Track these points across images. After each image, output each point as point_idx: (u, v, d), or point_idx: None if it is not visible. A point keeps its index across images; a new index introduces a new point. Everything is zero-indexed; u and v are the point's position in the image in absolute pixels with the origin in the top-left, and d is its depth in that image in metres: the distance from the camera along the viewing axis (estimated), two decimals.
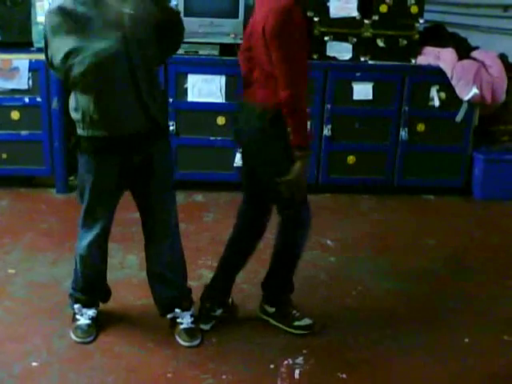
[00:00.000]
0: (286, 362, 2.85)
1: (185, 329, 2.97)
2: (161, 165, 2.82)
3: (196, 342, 2.95)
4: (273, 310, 3.12)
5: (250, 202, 3.11)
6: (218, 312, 3.11)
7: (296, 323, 3.07)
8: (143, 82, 2.63)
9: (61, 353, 2.86)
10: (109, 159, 2.72)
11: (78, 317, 3.01)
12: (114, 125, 2.66)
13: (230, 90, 4.81)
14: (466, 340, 3.08)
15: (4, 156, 4.81)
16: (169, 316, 3.03)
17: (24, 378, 2.68)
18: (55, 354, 2.84)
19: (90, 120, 2.63)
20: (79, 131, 2.71)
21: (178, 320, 3.00)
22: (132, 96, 2.63)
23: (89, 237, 2.87)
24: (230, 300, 3.21)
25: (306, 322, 3.08)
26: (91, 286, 3.03)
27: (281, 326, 3.08)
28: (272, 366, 2.82)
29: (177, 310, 3.00)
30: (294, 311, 3.11)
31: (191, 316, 3.02)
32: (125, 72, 2.58)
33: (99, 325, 3.04)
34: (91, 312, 3.03)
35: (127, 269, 3.63)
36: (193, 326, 3.00)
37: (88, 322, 3.00)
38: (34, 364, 2.76)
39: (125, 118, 2.65)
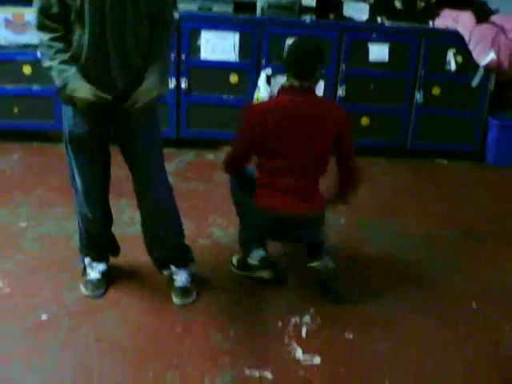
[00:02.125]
0: (293, 320, 2.87)
1: (178, 287, 2.98)
2: (138, 122, 2.72)
3: (188, 301, 2.95)
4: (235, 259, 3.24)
5: None
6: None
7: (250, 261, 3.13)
8: (115, 53, 2.55)
9: (70, 306, 2.88)
10: (84, 110, 2.62)
11: (88, 271, 3.04)
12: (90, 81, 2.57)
13: (243, 48, 4.75)
14: (474, 306, 3.09)
15: (16, 110, 4.81)
16: (165, 273, 3.04)
17: (34, 331, 2.70)
18: (65, 308, 2.86)
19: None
20: None
21: (174, 277, 3.01)
22: (103, 65, 2.56)
23: (80, 192, 2.85)
24: None
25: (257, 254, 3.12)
26: (95, 241, 3.03)
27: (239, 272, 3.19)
28: (280, 324, 2.84)
29: (172, 267, 3.01)
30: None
31: (188, 274, 3.03)
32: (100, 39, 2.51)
33: (109, 279, 3.06)
34: (101, 266, 3.05)
35: (138, 224, 3.60)
36: (188, 284, 2.99)
37: (98, 276, 3.02)
38: (44, 317, 2.79)
39: (95, 80, 2.57)
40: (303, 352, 2.66)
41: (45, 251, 3.33)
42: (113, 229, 3.11)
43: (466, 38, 4.79)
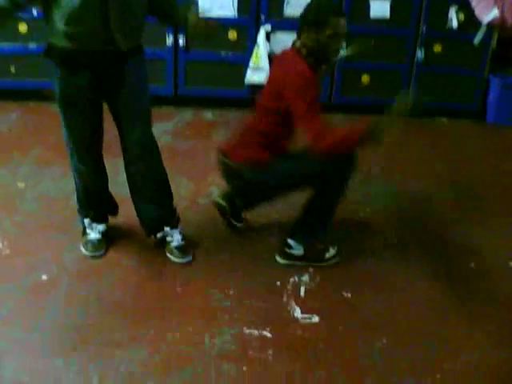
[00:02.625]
0: (291, 280, 2.89)
1: (176, 246, 2.99)
2: (130, 81, 2.68)
3: (188, 259, 2.98)
4: (300, 251, 3.01)
5: None
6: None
7: (327, 255, 3.05)
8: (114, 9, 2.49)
9: (70, 266, 2.89)
10: (75, 71, 2.61)
11: (88, 231, 3.04)
12: (79, 39, 2.53)
13: (242, 4, 4.68)
14: (472, 265, 3.10)
15: (12, 69, 4.76)
16: (158, 235, 3.03)
17: (34, 291, 2.72)
18: (65, 268, 2.88)
19: (57, 30, 2.52)
20: (50, 39, 2.60)
21: (168, 238, 3.01)
22: (99, 18, 2.49)
23: (73, 152, 2.85)
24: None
25: (332, 251, 3.05)
26: (93, 200, 3.03)
27: (312, 263, 3.02)
28: (278, 283, 2.86)
29: (166, 229, 3.01)
30: (319, 246, 3.06)
31: (180, 233, 3.04)
32: None
33: (109, 240, 3.07)
34: (101, 227, 3.05)
35: None
36: (183, 242, 3.01)
37: (98, 236, 3.02)
38: (44, 277, 2.80)
39: (90, 35, 2.53)
40: (302, 311, 2.68)
41: (44, 211, 3.33)
42: (110, 189, 3.10)
43: None
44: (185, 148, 4.21)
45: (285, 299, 2.75)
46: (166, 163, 3.90)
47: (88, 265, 2.92)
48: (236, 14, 4.70)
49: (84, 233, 3.06)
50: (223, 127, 4.60)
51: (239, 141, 2.99)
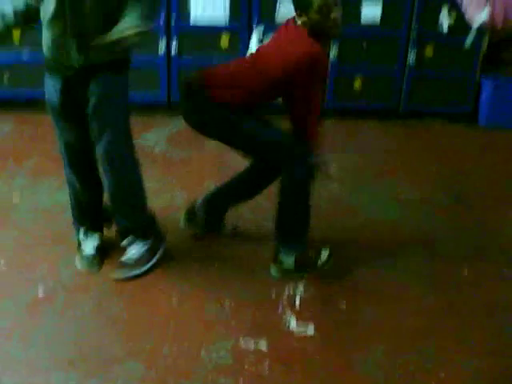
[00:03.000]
0: (287, 291, 2.91)
1: (122, 260, 3.00)
2: (96, 95, 2.71)
3: (123, 276, 2.95)
4: (291, 262, 3.00)
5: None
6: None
7: (319, 263, 3.05)
8: (74, 17, 2.56)
9: (67, 281, 2.91)
10: (51, 75, 2.75)
11: (83, 246, 3.06)
12: (49, 50, 2.69)
13: (234, 10, 4.69)
14: (465, 272, 3.13)
15: (6, 79, 4.77)
16: (124, 242, 3.03)
17: (31, 307, 2.74)
18: (61, 282, 2.90)
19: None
20: None
21: (126, 249, 3.01)
22: (61, 31, 2.60)
23: (64, 161, 2.92)
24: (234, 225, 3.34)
25: (325, 254, 3.05)
26: (86, 211, 3.06)
27: (306, 273, 3.03)
28: (273, 295, 2.88)
29: (129, 238, 3.02)
30: (310, 253, 3.06)
31: (142, 247, 3.00)
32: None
33: (104, 254, 3.08)
34: (96, 241, 3.07)
35: None
36: (135, 258, 2.99)
37: (93, 252, 3.04)
38: (41, 292, 2.83)
39: (53, 46, 2.66)
40: (297, 322, 2.71)
41: (40, 224, 3.35)
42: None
43: None
44: (179, 156, 4.23)
45: (280, 311, 2.78)
46: (160, 171, 3.98)
47: (84, 279, 2.93)
48: (228, 18, 4.71)
49: (79, 247, 3.08)
50: None
51: (225, 80, 2.94)
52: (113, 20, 2.54)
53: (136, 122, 2.95)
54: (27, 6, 2.63)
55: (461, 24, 4.76)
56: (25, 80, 4.74)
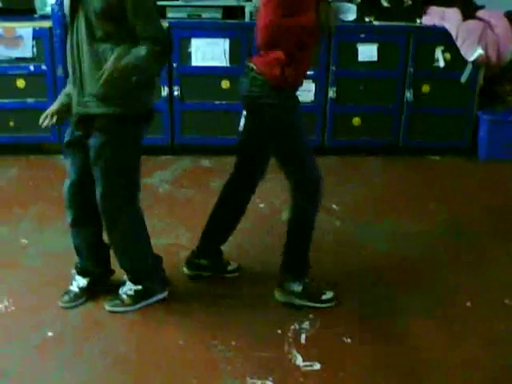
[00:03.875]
0: (292, 327, 2.94)
1: (118, 293, 3.08)
2: (94, 150, 2.78)
3: (112, 308, 3.04)
4: (299, 288, 3.07)
5: (240, 168, 3.19)
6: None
7: (324, 297, 3.11)
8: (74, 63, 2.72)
9: (75, 322, 2.95)
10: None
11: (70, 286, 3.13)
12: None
13: (234, 54, 4.80)
14: (468, 304, 3.16)
15: (11, 124, 4.86)
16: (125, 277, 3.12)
17: (40, 348, 2.77)
18: (69, 324, 2.93)
19: None
20: None
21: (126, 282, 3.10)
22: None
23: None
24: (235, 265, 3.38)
25: (330, 293, 3.12)
26: (80, 252, 3.12)
27: (308, 303, 3.07)
28: (279, 331, 2.91)
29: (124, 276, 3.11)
30: (317, 285, 3.14)
31: (131, 288, 3.06)
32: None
33: (90, 292, 3.12)
34: (83, 281, 3.12)
35: None
36: (123, 294, 3.05)
37: (76, 290, 3.10)
38: (50, 334, 2.86)
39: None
40: (303, 358, 2.73)
41: (47, 268, 3.38)
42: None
43: (454, 34, 4.84)
44: (183, 197, 4.29)
45: (286, 347, 2.80)
46: (164, 212, 4.04)
47: (92, 320, 2.97)
48: (228, 63, 4.82)
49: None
50: (221, 175, 4.66)
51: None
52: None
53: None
54: None
55: (457, 59, 4.88)
56: (29, 125, 4.83)
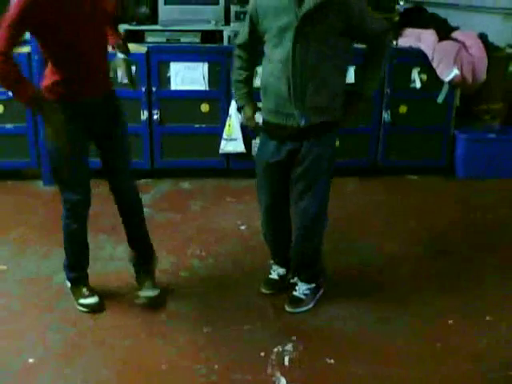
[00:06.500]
0: (275, 350, 2.92)
1: (293, 295, 3.30)
2: (313, 158, 3.00)
3: (291, 310, 3.26)
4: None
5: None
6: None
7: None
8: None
9: (56, 348, 2.91)
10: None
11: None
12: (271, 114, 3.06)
13: (212, 78, 4.83)
14: (450, 321, 3.17)
15: None
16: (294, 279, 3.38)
17: (22, 375, 2.73)
18: (50, 350, 2.90)
19: None
20: None
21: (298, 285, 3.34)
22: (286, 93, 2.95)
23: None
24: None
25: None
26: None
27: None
28: (262, 354, 2.89)
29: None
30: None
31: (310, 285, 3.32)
32: None
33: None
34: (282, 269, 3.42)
35: (117, 261, 3.67)
36: (304, 294, 3.29)
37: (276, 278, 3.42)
38: (31, 360, 2.82)
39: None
40: (287, 381, 2.72)
41: (27, 293, 3.35)
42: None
43: (430, 55, 4.92)
44: (163, 220, 4.28)
45: (269, 370, 2.78)
46: None
47: (73, 345, 2.93)
48: (207, 87, 4.84)
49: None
50: (201, 197, 4.69)
51: None
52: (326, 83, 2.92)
53: None
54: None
55: (433, 80, 4.95)
56: (8, 151, 4.81)
